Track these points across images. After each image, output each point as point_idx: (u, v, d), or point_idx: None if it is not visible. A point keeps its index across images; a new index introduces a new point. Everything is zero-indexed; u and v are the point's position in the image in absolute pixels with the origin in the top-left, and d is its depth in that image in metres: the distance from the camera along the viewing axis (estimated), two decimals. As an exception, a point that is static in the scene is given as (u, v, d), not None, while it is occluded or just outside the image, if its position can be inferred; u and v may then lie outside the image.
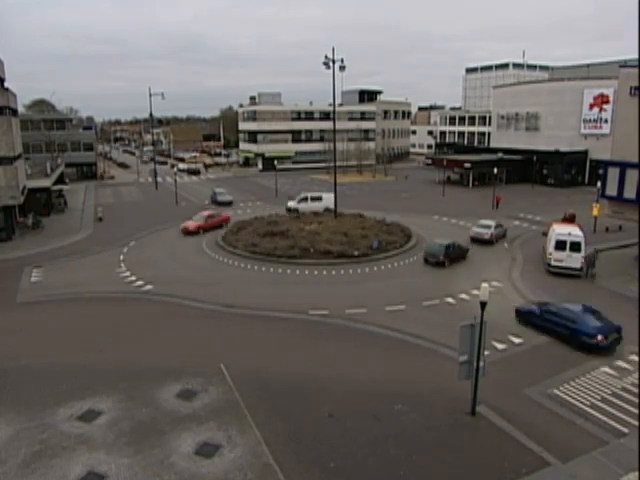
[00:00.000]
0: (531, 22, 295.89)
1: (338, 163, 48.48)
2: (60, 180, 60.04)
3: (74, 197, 60.11)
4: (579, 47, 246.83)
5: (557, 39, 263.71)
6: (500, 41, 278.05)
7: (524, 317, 22.67)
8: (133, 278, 29.78)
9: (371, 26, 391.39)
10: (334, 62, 38.61)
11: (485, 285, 14.59)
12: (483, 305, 14.44)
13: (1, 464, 13.00)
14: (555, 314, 21.16)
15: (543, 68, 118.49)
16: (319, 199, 48.92)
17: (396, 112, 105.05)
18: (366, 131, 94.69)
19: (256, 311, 24.35)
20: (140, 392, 16.51)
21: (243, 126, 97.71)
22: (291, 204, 49.13)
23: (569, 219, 39.26)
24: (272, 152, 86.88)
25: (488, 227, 36.98)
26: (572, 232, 29.92)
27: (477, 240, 36.58)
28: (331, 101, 45.53)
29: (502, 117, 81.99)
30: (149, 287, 28.23)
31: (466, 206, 51.64)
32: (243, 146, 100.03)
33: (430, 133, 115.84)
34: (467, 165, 65.44)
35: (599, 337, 19.28)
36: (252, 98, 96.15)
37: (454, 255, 31.63)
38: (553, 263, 29.87)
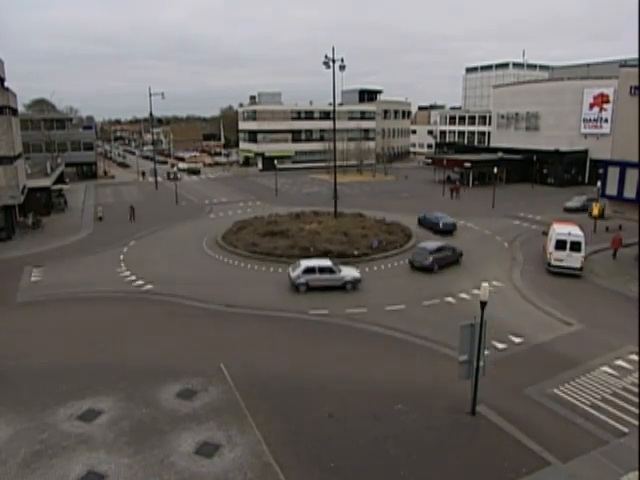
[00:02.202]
0: (530, 22, 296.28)
1: (338, 163, 48.45)
2: (60, 180, 60.06)
3: (74, 197, 60.06)
4: (574, 47, 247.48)
5: (555, 39, 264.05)
6: (500, 41, 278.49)
7: (420, 222, 42.04)
8: (133, 278, 29.79)
9: (371, 26, 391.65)
10: (334, 62, 38.63)
11: (485, 285, 14.58)
12: (483, 305, 14.43)
13: (1, 464, 13.01)
14: (427, 218, 41.05)
15: (543, 68, 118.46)
16: None
17: (396, 112, 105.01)
18: (366, 131, 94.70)
19: (256, 311, 24.36)
20: (140, 392, 16.52)
21: (243, 126, 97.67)
22: None
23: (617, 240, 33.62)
24: (272, 152, 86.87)
25: (580, 201, 48.38)
26: (572, 232, 29.88)
27: (569, 209, 47.64)
28: (331, 101, 45.61)
29: (502, 117, 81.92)
30: (149, 287, 28.23)
31: (466, 205, 51.65)
32: (243, 146, 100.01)
33: (430, 133, 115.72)
34: (467, 165, 65.37)
35: (440, 225, 38.99)
36: (252, 98, 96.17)
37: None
38: (553, 262, 29.86)
